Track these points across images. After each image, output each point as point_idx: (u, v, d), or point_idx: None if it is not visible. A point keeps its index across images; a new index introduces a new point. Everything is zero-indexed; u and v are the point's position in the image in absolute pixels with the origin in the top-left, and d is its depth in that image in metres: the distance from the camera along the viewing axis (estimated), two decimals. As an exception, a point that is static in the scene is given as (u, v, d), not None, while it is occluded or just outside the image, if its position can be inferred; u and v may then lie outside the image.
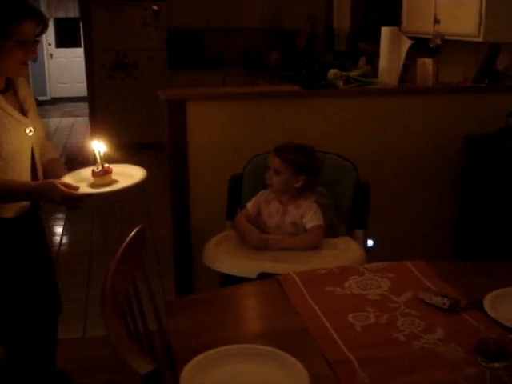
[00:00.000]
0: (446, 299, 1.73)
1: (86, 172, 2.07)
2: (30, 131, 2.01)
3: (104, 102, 7.12)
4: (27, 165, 2.02)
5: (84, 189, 1.97)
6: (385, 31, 3.18)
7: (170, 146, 3.04)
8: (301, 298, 1.80)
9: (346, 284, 1.89)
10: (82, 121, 8.74)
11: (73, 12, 10.16)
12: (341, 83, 3.14)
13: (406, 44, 3.16)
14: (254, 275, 2.10)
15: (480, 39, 3.51)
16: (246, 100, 3.10)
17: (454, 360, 1.48)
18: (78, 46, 8.95)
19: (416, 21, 4.01)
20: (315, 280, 1.91)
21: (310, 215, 2.36)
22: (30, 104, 2.07)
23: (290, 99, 3.13)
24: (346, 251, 2.30)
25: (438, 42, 3.70)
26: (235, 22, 7.37)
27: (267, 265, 2.14)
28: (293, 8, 6.92)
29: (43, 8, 9.85)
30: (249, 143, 2.94)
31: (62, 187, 1.91)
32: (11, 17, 1.81)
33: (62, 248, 4.41)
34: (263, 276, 2.06)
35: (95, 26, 6.96)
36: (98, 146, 2.02)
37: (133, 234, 1.61)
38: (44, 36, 7.56)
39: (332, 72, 3.16)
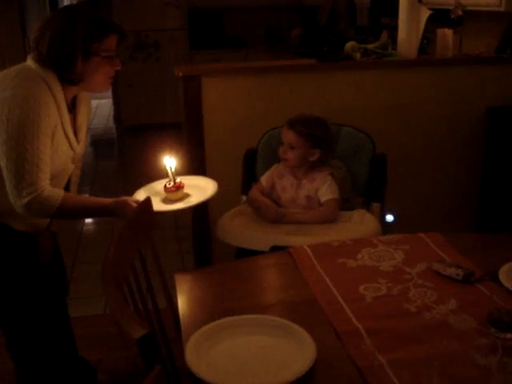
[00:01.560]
0: (460, 270, 1.70)
1: (159, 186, 2.08)
2: (73, 161, 2.01)
3: (126, 84, 7.13)
4: (63, 186, 2.03)
5: (157, 206, 1.97)
6: (403, 2, 3.11)
7: (186, 122, 3.04)
8: (312, 269, 1.79)
9: (359, 256, 1.87)
10: (105, 103, 8.78)
11: (95, -7, 10.16)
12: (358, 56, 3.09)
13: (425, 14, 3.09)
14: (266, 248, 2.09)
15: (502, 9, 3.41)
16: (262, 74, 3.07)
17: (466, 331, 1.46)
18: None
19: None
20: (327, 252, 1.90)
21: (324, 188, 2.33)
22: (85, 127, 2.07)
23: (307, 73, 3.09)
24: (360, 224, 2.27)
25: (459, 12, 3.61)
26: (255, -1, 7.30)
27: (280, 238, 2.12)
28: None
29: (66, -10, 9.88)
30: (264, 118, 2.92)
31: (134, 205, 1.90)
32: (98, 35, 1.82)
33: (85, 227, 4.46)
34: (276, 249, 2.04)
35: (116, 7, 6.96)
36: (170, 162, 2.04)
37: (139, 204, 1.60)
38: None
39: (349, 44, 3.11)
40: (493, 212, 3.31)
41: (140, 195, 2.03)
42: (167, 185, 2.03)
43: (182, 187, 2.04)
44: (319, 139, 2.31)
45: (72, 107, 1.97)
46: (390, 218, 3.17)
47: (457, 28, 3.92)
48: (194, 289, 1.73)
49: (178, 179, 2.04)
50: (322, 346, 1.37)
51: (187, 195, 2.05)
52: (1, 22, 4.55)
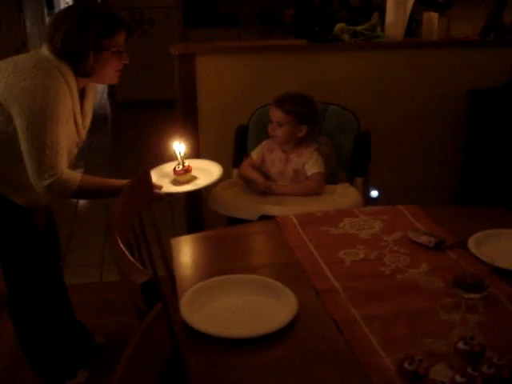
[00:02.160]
0: (432, 238, 1.85)
1: (168, 168, 2.21)
2: (77, 146, 2.14)
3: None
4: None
5: (167, 187, 2.12)
6: (391, -15, 3.23)
7: (180, 99, 3.16)
8: (297, 236, 1.93)
9: (341, 224, 2.01)
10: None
11: (89, -31, 10.15)
12: (347, 37, 3.21)
13: (412, -2, 3.21)
14: (255, 217, 2.24)
15: (487, -7, 3.53)
16: (254, 54, 3.19)
17: (434, 291, 1.60)
18: (96, 2, 9.00)
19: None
20: (312, 221, 2.04)
21: (311, 163, 2.47)
22: (90, 114, 2.21)
23: (298, 53, 3.21)
24: (343, 196, 2.42)
25: (447, -4, 3.73)
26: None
27: (268, 208, 2.27)
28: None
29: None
30: (256, 96, 3.03)
31: None
32: (107, 31, 1.95)
33: (81, 201, 4.57)
34: (264, 218, 2.19)
35: (112, -16, 7.01)
36: (179, 147, 2.17)
37: (138, 174, 1.74)
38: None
39: (338, 26, 3.23)
40: (475, 188, 3.44)
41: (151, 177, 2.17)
42: (176, 168, 2.17)
43: (190, 170, 2.18)
44: (306, 116, 2.44)
45: (81, 96, 2.09)
46: (374, 193, 3.32)
47: (445, 11, 4.04)
48: (188, 252, 1.88)
49: (187, 163, 2.18)
50: (303, 302, 1.52)
51: (195, 178, 2.19)
52: (1, 19, 4.64)
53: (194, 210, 3.28)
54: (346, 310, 1.50)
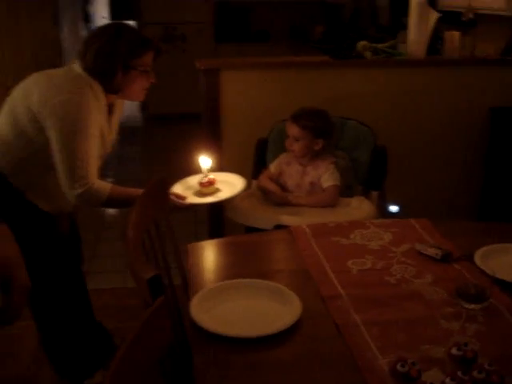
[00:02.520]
0: (439, 250, 1.90)
1: (194, 180, 2.32)
2: (102, 157, 2.24)
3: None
4: None
5: (191, 199, 2.23)
6: (413, 4, 3.30)
7: (205, 112, 3.26)
8: (308, 245, 2.00)
9: (352, 235, 2.07)
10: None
11: (126, -15, 10.41)
12: (369, 54, 3.28)
13: (434, 16, 3.27)
14: (270, 227, 2.32)
15: (510, 13, 3.56)
16: (277, 69, 3.28)
17: (436, 300, 1.65)
18: (132, 19, 9.24)
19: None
20: (324, 231, 2.11)
21: (327, 176, 2.54)
22: (116, 129, 2.33)
23: (319, 69, 3.30)
24: (358, 209, 2.48)
25: (470, 15, 3.78)
26: (282, -5, 7.50)
27: (283, 218, 2.34)
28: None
29: (97, -19, 10.15)
30: (278, 110, 3.11)
31: (172, 197, 2.16)
32: (136, 51, 2.07)
33: (108, 209, 4.70)
34: (279, 228, 2.26)
35: (145, 0, 7.20)
36: (205, 161, 2.28)
37: (154, 181, 1.84)
38: (98, 9, 7.91)
39: (361, 44, 3.31)
40: (495, 204, 3.47)
41: (176, 188, 2.28)
42: (201, 180, 2.27)
43: (214, 183, 2.28)
44: (321, 130, 2.52)
45: (109, 111, 2.21)
46: (394, 208, 3.36)
47: (470, 30, 4.09)
48: (202, 257, 1.95)
49: (211, 175, 2.28)
50: (308, 306, 1.59)
51: (218, 190, 2.29)
52: (37, 30, 4.82)
53: (216, 219, 3.36)
54: (347, 315, 1.56)
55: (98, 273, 3.54)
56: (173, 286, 1.71)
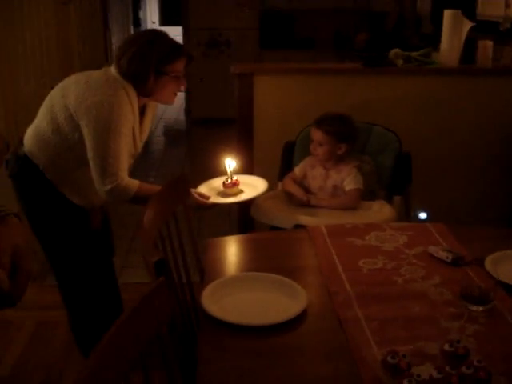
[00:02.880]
0: (450, 254, 1.94)
1: (218, 182, 2.44)
2: (133, 157, 2.35)
3: (198, 79, 7.53)
4: None
5: (214, 198, 2.35)
6: (447, 14, 3.33)
7: (238, 115, 3.36)
8: (323, 244, 2.07)
9: (367, 237, 2.13)
10: (178, 96, 9.24)
11: (176, -8, 10.65)
12: (400, 62, 3.33)
13: (467, 26, 3.29)
14: (290, 226, 2.39)
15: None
16: (309, 75, 3.36)
17: (440, 301, 1.70)
18: (179, 24, 9.45)
19: (489, 5, 4.07)
20: (340, 232, 2.17)
21: (349, 179, 2.61)
22: (148, 130, 2.44)
23: (350, 75, 3.36)
24: (377, 212, 2.53)
25: (507, 25, 3.78)
26: (326, 3, 7.55)
27: (302, 218, 2.42)
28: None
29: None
30: (308, 114, 3.16)
31: (196, 196, 2.29)
32: (169, 57, 2.20)
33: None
34: (299, 227, 2.34)
35: (192, 6, 7.38)
36: (230, 163, 2.40)
37: (175, 177, 1.95)
38: (148, 14, 8.11)
39: (393, 52, 3.35)
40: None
41: (202, 189, 2.39)
42: (225, 181, 2.38)
43: (238, 184, 2.39)
44: (344, 135, 2.59)
45: (141, 112, 2.33)
46: (423, 215, 3.39)
47: (508, 40, 4.07)
48: (220, 252, 2.05)
49: (235, 177, 2.39)
50: (315, 301, 1.68)
51: (241, 191, 2.40)
52: (86, 14, 5.01)
53: (245, 219, 3.45)
54: (350, 310, 1.62)
55: (132, 267, 3.67)
56: (188, 275, 1.80)
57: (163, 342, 1.19)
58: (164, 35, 2.26)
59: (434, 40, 5.70)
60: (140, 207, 1.88)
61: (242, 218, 3.48)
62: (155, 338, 1.16)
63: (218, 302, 1.64)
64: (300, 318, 1.58)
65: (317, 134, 2.62)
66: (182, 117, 8.44)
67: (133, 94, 2.20)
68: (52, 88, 3.56)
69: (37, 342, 2.93)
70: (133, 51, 2.17)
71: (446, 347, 1.39)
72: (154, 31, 2.30)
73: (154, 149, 6.83)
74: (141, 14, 10.39)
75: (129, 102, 2.17)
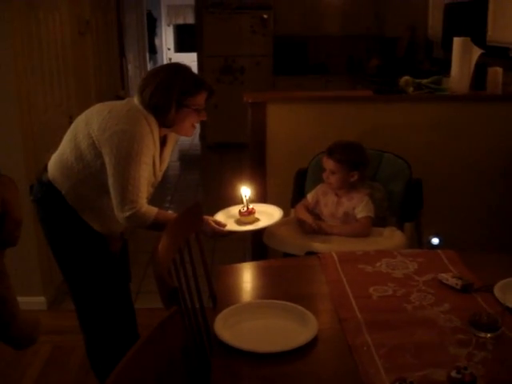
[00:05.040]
0: (460, 280, 1.96)
1: (235, 210, 2.49)
2: (153, 185, 2.41)
3: (212, 105, 7.63)
4: None
5: (231, 226, 2.40)
6: (456, 41, 3.38)
7: (251, 144, 3.42)
8: (334, 271, 2.10)
9: (378, 264, 2.16)
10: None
11: (191, 19, 10.82)
12: (411, 89, 3.38)
13: (477, 53, 3.34)
14: (302, 253, 2.43)
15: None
16: (320, 103, 3.42)
17: (448, 327, 1.72)
18: (194, 51, 9.61)
19: (499, 31, 4.11)
20: (351, 259, 2.20)
21: (361, 207, 2.65)
22: (168, 160, 2.50)
23: (362, 103, 3.41)
24: (388, 238, 2.56)
25: (517, 51, 3.82)
26: (339, 29, 7.65)
27: (314, 245, 2.46)
28: (395, 16, 7.12)
29: (164, 14, 10.61)
30: (320, 142, 3.21)
31: (213, 224, 2.33)
32: (191, 91, 2.26)
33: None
34: (310, 254, 2.38)
35: (207, 33, 7.52)
36: (245, 191, 2.45)
37: (189, 206, 2.00)
38: (164, 41, 8.26)
39: (404, 79, 3.40)
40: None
41: (219, 216, 2.44)
42: (241, 209, 2.43)
43: (254, 213, 2.43)
44: (356, 163, 2.64)
45: (162, 143, 2.39)
46: (435, 241, 3.41)
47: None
48: (233, 278, 2.09)
49: (251, 206, 2.43)
50: (325, 328, 1.70)
51: (257, 219, 2.44)
52: (102, 43, 5.12)
53: (259, 246, 3.49)
54: (360, 336, 1.65)
55: (148, 292, 3.71)
56: (202, 301, 1.84)
57: (177, 369, 1.23)
58: (187, 69, 2.33)
59: (446, 65, 5.78)
60: (156, 233, 1.93)
61: (256, 245, 3.52)
62: (168, 366, 1.20)
63: (230, 329, 1.68)
64: (311, 345, 1.61)
65: (329, 163, 2.67)
66: (197, 142, 8.53)
67: (154, 124, 2.26)
68: (70, 117, 3.67)
69: (53, 367, 2.98)
70: (156, 83, 2.23)
71: (453, 374, 1.41)
72: (177, 65, 2.37)
73: (170, 174, 6.90)
74: (156, 41, 10.57)
75: (150, 132, 2.23)
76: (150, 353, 1.13)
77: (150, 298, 3.54)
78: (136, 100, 2.27)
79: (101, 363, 2.58)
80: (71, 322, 2.63)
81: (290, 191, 3.07)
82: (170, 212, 2.34)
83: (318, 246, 2.45)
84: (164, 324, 1.17)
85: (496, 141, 3.47)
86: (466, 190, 3.55)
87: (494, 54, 3.86)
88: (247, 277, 2.15)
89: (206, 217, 2.32)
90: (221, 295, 1.93)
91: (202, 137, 8.32)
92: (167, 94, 2.22)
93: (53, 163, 2.36)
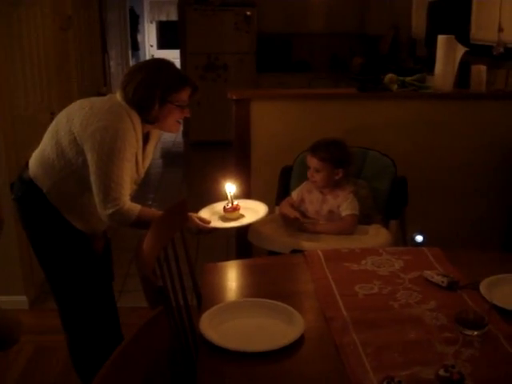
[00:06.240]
0: (445, 278, 1.96)
1: (219, 206, 2.46)
2: (136, 183, 2.38)
3: (195, 102, 7.57)
4: None
5: (215, 223, 2.36)
6: (441, 39, 3.38)
7: (235, 140, 3.40)
8: (320, 269, 2.09)
9: (363, 262, 2.15)
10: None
11: (174, 15, 10.77)
12: (395, 87, 3.37)
13: (461, 51, 3.34)
14: (287, 251, 2.42)
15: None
16: (305, 100, 3.41)
17: (435, 325, 1.71)
18: (177, 48, 9.56)
19: (483, 29, 4.13)
20: (336, 257, 2.19)
21: (345, 205, 2.64)
22: (150, 157, 2.47)
23: (345, 100, 3.41)
24: (374, 236, 2.56)
25: (501, 49, 3.83)
26: (322, 27, 7.65)
27: (299, 243, 2.45)
28: (378, 14, 7.13)
29: (146, 11, 10.54)
30: (304, 139, 3.19)
31: (197, 221, 2.30)
32: (174, 87, 2.23)
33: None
34: (296, 252, 2.36)
35: (190, 30, 7.47)
36: (230, 188, 2.42)
37: (175, 203, 1.97)
38: (146, 38, 8.22)
39: (388, 76, 3.40)
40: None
41: (203, 213, 2.41)
42: (226, 206, 2.40)
43: (238, 209, 2.41)
44: (340, 160, 2.63)
45: (145, 139, 2.36)
46: (419, 238, 3.41)
47: (502, 64, 4.13)
48: (218, 277, 2.07)
49: (236, 202, 2.41)
50: (311, 326, 1.69)
51: (242, 216, 2.41)
52: (85, 39, 5.07)
53: (243, 244, 3.47)
54: (347, 335, 1.64)
55: (130, 291, 3.68)
56: (186, 300, 1.82)
57: (163, 369, 1.21)
58: (171, 65, 2.30)
59: (428, 63, 5.80)
60: (138, 231, 1.90)
61: (240, 242, 3.50)
62: (155, 366, 1.18)
63: (216, 328, 1.66)
64: (297, 344, 1.60)
65: (313, 161, 2.65)
66: (180, 139, 8.49)
67: (137, 120, 2.23)
68: (52, 113, 3.62)
69: (35, 367, 2.94)
70: (139, 79, 2.20)
71: (441, 372, 1.41)
72: (161, 60, 2.34)
73: (152, 171, 6.86)
74: (139, 38, 10.50)
75: (133, 128, 2.20)
76: (136, 353, 1.10)
77: (132, 297, 3.53)
78: (119, 96, 2.24)
79: (84, 363, 2.55)
80: (53, 322, 2.59)
81: (275, 189, 3.05)
82: (153, 209, 2.31)
83: (303, 243, 2.44)
84: (150, 324, 1.15)
85: (480, 138, 3.48)
86: (450, 187, 3.56)
87: (477, 53, 3.87)
88: (232, 275, 2.13)
89: (190, 214, 2.30)
90: (206, 294, 1.91)
91: (185, 134, 8.27)
92: (150, 89, 2.19)
93: (34, 161, 2.32)
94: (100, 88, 5.47)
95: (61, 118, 2.28)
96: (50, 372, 2.89)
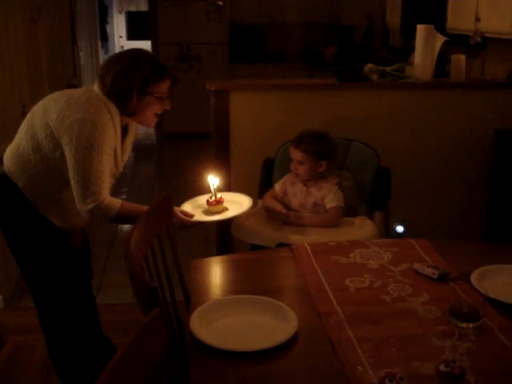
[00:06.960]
0: (436, 270, 1.94)
1: (202, 199, 2.39)
2: (114, 176, 2.32)
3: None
4: None
5: (198, 216, 2.30)
6: (420, 28, 3.36)
7: (214, 132, 3.34)
8: (308, 263, 2.05)
9: (352, 254, 2.12)
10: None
11: (143, 6, 10.61)
12: (375, 77, 3.35)
13: (440, 40, 3.33)
14: (273, 245, 2.37)
15: (516, 37, 3.61)
16: (285, 91, 3.36)
17: (430, 319, 1.69)
18: (148, 38, 9.41)
19: (459, 18, 4.13)
20: (324, 250, 2.15)
21: (330, 197, 2.60)
22: (129, 150, 2.40)
23: (326, 91, 3.37)
24: (360, 228, 2.53)
25: (478, 39, 3.84)
26: (296, 17, 7.60)
27: (285, 236, 2.40)
28: (352, 4, 7.11)
29: (115, 2, 10.36)
30: (285, 131, 3.17)
31: (180, 214, 2.23)
32: (153, 77, 2.15)
33: (120, 225, 4.77)
34: (282, 246, 2.32)
35: (161, 20, 7.35)
36: (213, 180, 2.36)
37: (159, 199, 1.91)
38: (115, 29, 8.09)
39: (367, 66, 3.37)
40: (500, 227, 3.49)
41: (186, 207, 2.35)
42: (209, 199, 2.34)
43: (222, 202, 2.35)
44: (323, 152, 2.58)
45: (123, 132, 2.29)
46: (400, 228, 3.40)
47: (478, 53, 4.14)
48: (205, 273, 2.01)
49: (219, 195, 2.35)
50: (305, 322, 1.64)
51: (226, 209, 2.36)
52: (54, 30, 4.96)
53: (224, 237, 3.42)
54: (342, 331, 1.60)
55: (108, 288, 3.60)
56: (174, 299, 1.76)
57: (159, 373, 1.16)
58: (149, 55, 2.23)
59: (403, 52, 5.80)
60: (115, 226, 1.83)
61: (221, 235, 3.45)
62: (153, 370, 1.12)
63: (206, 327, 1.61)
64: (291, 342, 1.55)
65: (296, 154, 2.61)
66: (152, 131, 8.38)
67: (115, 113, 2.15)
68: (23, 106, 3.51)
69: (12, 368, 2.85)
70: (117, 69, 2.13)
71: (442, 368, 1.38)
72: (139, 50, 2.26)
73: (125, 164, 6.75)
74: (108, 29, 10.32)
75: (111, 120, 2.13)
76: (135, 359, 1.05)
77: (110, 294, 3.45)
78: (96, 87, 2.16)
79: (63, 363, 2.49)
80: (30, 321, 2.52)
81: (256, 181, 3.00)
82: (134, 204, 2.24)
83: (289, 237, 2.40)
84: (147, 328, 1.09)
85: (461, 128, 3.48)
86: (432, 177, 3.56)
87: (454, 42, 3.87)
88: (220, 271, 2.08)
89: (173, 208, 2.24)
90: (193, 291, 1.86)
91: (158, 126, 8.15)
92: (129, 80, 2.12)
93: (8, 155, 2.23)
94: (71, 80, 5.36)
95: (36, 111, 2.19)
96: (29, 373, 2.80)
